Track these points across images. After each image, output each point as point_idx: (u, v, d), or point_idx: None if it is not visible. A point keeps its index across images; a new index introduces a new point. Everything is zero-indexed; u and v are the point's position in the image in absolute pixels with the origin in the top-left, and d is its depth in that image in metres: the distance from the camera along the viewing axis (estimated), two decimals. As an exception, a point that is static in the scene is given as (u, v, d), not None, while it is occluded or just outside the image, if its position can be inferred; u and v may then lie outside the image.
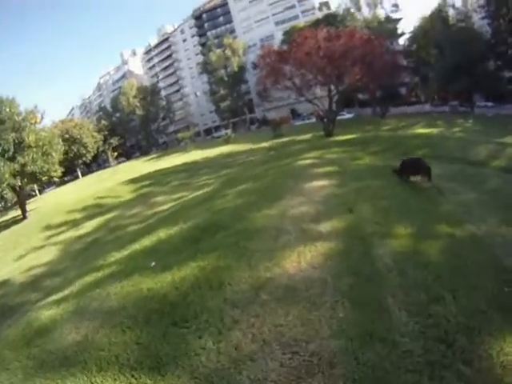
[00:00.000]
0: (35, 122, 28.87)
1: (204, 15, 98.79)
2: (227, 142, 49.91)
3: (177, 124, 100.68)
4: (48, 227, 20.27)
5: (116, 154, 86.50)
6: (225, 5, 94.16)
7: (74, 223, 19.83)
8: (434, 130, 28.68)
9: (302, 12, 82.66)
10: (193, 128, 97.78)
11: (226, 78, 79.40)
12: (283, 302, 4.83)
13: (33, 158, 26.03)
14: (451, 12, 57.61)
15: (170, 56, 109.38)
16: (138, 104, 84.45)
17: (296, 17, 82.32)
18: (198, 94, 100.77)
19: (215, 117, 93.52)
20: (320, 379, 3.58)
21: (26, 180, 28.12)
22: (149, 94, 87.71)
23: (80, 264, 11.88)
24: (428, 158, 12.91)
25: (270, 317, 4.58)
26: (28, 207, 30.53)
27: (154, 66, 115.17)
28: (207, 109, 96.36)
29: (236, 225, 8.23)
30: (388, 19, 63.52)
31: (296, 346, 4.05)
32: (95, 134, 75.17)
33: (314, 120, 53.36)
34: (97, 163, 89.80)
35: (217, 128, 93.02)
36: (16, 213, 30.36)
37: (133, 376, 4.14)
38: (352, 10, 63.93)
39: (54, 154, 29.00)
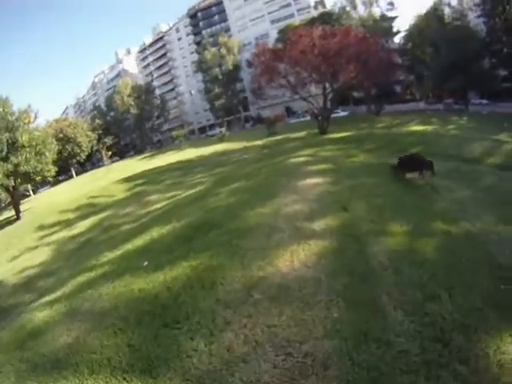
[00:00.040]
0: (29, 122, 28.67)
1: (199, 14, 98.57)
2: (221, 140, 49.86)
3: (171, 122, 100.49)
4: (41, 227, 20.13)
5: (110, 153, 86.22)
6: (220, 3, 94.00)
7: (68, 223, 19.70)
8: (429, 128, 28.74)
9: (298, 10, 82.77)
10: (187, 126, 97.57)
11: (220, 77, 79.26)
12: (276, 301, 4.74)
13: (26, 158, 25.83)
14: (447, 10, 58.09)
15: (164, 55, 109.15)
16: (133, 103, 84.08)
17: (291, 15, 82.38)
18: (192, 92, 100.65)
19: (210, 115, 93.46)
20: (314, 381, 3.50)
21: (19, 180, 27.89)
22: (143, 93, 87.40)
23: (73, 264, 11.79)
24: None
25: (263, 317, 4.49)
26: (22, 207, 30.28)
27: (148, 64, 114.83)
28: (202, 107, 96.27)
29: (229, 223, 8.13)
30: (383, 17, 63.68)
31: (289, 346, 3.97)
32: (89, 133, 75.02)
33: (308, 118, 53.27)
34: (91, 162, 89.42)
35: (211, 126, 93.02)
36: (10, 213, 30.17)
37: (124, 379, 4.04)
38: (347, 9, 64.03)
39: (47, 153, 28.82)
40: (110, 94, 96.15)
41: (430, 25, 56.08)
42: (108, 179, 34.86)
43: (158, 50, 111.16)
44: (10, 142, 25.52)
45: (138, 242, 9.32)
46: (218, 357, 4.03)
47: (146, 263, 7.19)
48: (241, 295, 5.06)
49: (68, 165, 71.46)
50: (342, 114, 56.03)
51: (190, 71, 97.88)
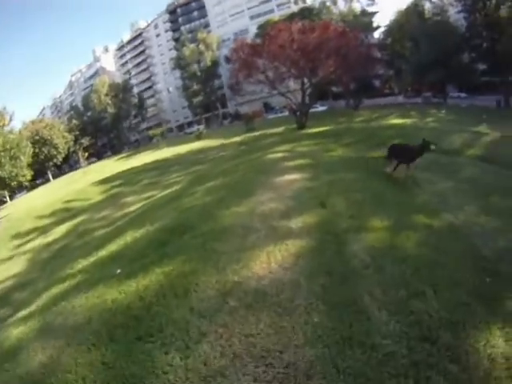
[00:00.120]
0: (3, 125, 27.72)
1: (178, 10, 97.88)
2: (199, 137, 49.32)
3: (149, 121, 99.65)
4: (17, 236, 19.41)
5: (87, 154, 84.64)
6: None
7: (43, 230, 19.04)
8: (408, 121, 28.97)
9: (278, 6, 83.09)
10: (165, 124, 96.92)
11: (198, 73, 79.06)
12: (253, 308, 4.45)
13: (0, 163, 24.90)
14: (427, 6, 59.04)
15: (143, 52, 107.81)
16: (110, 102, 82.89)
17: (271, 11, 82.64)
18: (170, 89, 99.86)
19: (188, 112, 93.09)
20: (297, 392, 3.24)
21: (-6, 187, 26.96)
22: (121, 91, 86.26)
23: (48, 274, 11.29)
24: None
25: (240, 326, 4.20)
26: (-2, 214, 29.20)
27: (126, 62, 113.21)
28: (180, 105, 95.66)
29: (203, 225, 7.79)
30: (364, 13, 64.59)
31: (269, 357, 3.69)
32: (66, 134, 73.49)
33: (286, 113, 53.39)
34: (68, 164, 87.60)
35: (189, 124, 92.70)
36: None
37: (100, 400, 3.68)
38: (328, 4, 64.37)
39: (22, 157, 27.95)
40: (87, 93, 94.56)
41: (410, 20, 57.10)
42: (84, 182, 33.95)
43: (136, 47, 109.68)
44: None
45: (112, 247, 8.91)
46: (194, 371, 3.71)
47: (118, 271, 6.81)
48: (215, 303, 4.74)
49: (45, 168, 70.02)
50: (321, 108, 56.34)
51: (168, 68, 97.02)
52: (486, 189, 8.40)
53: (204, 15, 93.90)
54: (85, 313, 5.57)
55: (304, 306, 4.33)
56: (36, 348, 5.08)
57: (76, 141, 78.02)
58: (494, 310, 4.06)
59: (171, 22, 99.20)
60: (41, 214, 22.25)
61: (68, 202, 23.85)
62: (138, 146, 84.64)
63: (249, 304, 4.54)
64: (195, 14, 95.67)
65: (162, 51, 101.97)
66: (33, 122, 72.86)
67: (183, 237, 7.47)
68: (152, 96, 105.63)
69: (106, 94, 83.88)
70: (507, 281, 4.63)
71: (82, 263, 8.78)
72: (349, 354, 3.56)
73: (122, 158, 59.85)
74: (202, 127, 69.40)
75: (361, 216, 6.92)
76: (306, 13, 62.23)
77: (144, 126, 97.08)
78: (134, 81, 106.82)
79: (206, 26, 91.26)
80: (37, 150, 64.34)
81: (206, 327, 4.32)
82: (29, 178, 36.24)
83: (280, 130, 34.35)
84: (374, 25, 66.14)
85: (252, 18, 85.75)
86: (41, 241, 17.19)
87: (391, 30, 62.77)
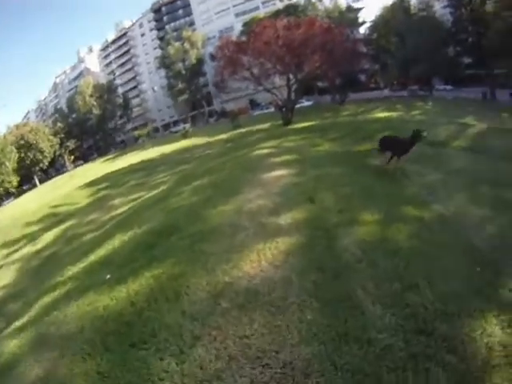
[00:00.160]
0: (-14, 130, 27.09)
1: (163, 8, 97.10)
2: (185, 136, 48.82)
3: (135, 121, 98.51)
4: (5, 245, 18.93)
5: (73, 157, 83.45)
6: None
7: (32, 237, 18.61)
8: (394, 114, 29.09)
9: (263, 3, 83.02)
10: (151, 124, 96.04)
11: (183, 72, 78.54)
12: (245, 308, 4.37)
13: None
14: (413, 1, 59.44)
15: (127, 51, 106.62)
16: (95, 103, 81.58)
17: (256, 8, 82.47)
18: (155, 89, 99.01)
19: (173, 112, 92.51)
20: (296, 392, 3.19)
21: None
22: (105, 92, 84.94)
23: (38, 283, 11.02)
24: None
25: (233, 327, 4.12)
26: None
27: (111, 62, 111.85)
28: (165, 104, 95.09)
29: (191, 225, 7.68)
30: (349, 9, 64.86)
31: (265, 357, 3.63)
32: (51, 137, 72.02)
33: (272, 109, 53.35)
34: (54, 168, 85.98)
35: (175, 123, 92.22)
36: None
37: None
38: (313, 0, 64.33)
39: (7, 163, 27.40)
40: (71, 95, 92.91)
41: (395, 16, 57.52)
42: (71, 185, 33.29)
43: (120, 46, 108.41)
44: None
45: (101, 252, 8.73)
46: (191, 376, 3.64)
47: (108, 276, 6.69)
48: (207, 305, 4.66)
49: (31, 173, 68.77)
50: (307, 104, 56.49)
51: (152, 67, 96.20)
52: (475, 179, 8.42)
53: (189, 13, 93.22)
54: (77, 321, 5.46)
55: (297, 303, 4.27)
56: (31, 361, 4.96)
57: (61, 144, 76.50)
58: (488, 298, 4.05)
59: (156, 20, 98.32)
60: (28, 221, 21.78)
61: (55, 207, 23.42)
62: (124, 147, 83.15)
63: (241, 304, 4.47)
64: (180, 12, 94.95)
65: (146, 50, 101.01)
66: (17, 127, 71.50)
67: (171, 239, 7.36)
68: (137, 96, 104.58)
69: (91, 95, 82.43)
70: (500, 269, 4.63)
71: (72, 270, 8.60)
72: (345, 350, 3.52)
73: (108, 159, 58.97)
74: (187, 126, 68.95)
75: (350, 210, 6.87)
76: (291, 9, 62.12)
77: (130, 126, 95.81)
78: (118, 81, 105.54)
79: (191, 24, 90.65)
80: (22, 155, 63.67)
81: (199, 330, 4.23)
82: (15, 184, 35.35)
83: (266, 126, 34.17)
84: (360, 20, 66.44)
85: (237, 15, 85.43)
86: (30, 249, 16.83)
87: (377, 25, 63.11)
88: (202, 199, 9.73)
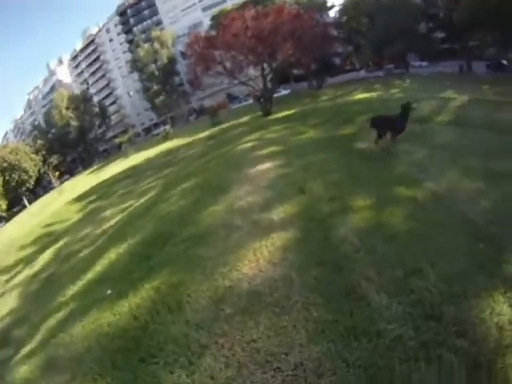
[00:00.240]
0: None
1: (128, 11, 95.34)
2: (166, 138, 48.27)
3: (115, 128, 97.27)
4: (3, 270, 18.64)
5: (58, 172, 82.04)
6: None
7: (28, 260, 18.26)
8: (374, 94, 29.06)
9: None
10: (131, 129, 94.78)
11: (157, 73, 77.67)
12: (249, 312, 4.28)
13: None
14: None
15: (97, 59, 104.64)
16: (72, 115, 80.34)
17: (224, 0, 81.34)
18: (131, 93, 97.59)
19: (152, 114, 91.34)
20: (310, 393, 3.10)
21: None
22: (81, 103, 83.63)
23: (41, 306, 10.91)
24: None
25: (240, 333, 4.03)
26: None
27: (82, 71, 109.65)
28: (142, 107, 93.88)
29: (183, 230, 7.60)
30: (317, -7, 63.85)
31: (275, 361, 3.54)
32: (33, 155, 70.36)
33: (251, 101, 52.95)
34: (42, 187, 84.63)
35: (156, 125, 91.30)
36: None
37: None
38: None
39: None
40: (47, 109, 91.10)
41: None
42: (60, 202, 32.85)
43: (89, 54, 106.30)
44: None
45: (98, 268, 8.62)
46: (203, 387, 3.58)
47: (109, 292, 6.63)
48: (210, 312, 4.57)
49: (19, 194, 67.59)
50: (284, 92, 56.19)
51: (125, 72, 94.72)
52: (463, 153, 8.35)
53: (155, 13, 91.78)
54: (83, 341, 5.40)
55: (301, 301, 4.19)
56: (44, 386, 4.90)
57: (45, 161, 74.80)
58: (492, 275, 3.97)
59: (122, 24, 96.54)
60: (23, 244, 21.44)
61: (47, 226, 23.06)
62: (107, 156, 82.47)
63: (244, 308, 4.38)
64: (146, 13, 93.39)
65: (116, 55, 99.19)
66: (-4, 150, 70.30)
67: (165, 247, 7.27)
68: (113, 103, 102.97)
69: (67, 108, 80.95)
70: (501, 243, 4.55)
71: (73, 289, 8.51)
72: (355, 345, 3.44)
73: (93, 171, 58.16)
74: (168, 127, 68.18)
75: (341, 197, 6.80)
76: (259, -1, 61.54)
77: (110, 134, 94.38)
78: (92, 90, 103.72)
79: (159, 23, 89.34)
80: (7, 178, 62.71)
81: (205, 339, 4.15)
82: (4, 207, 34.60)
83: (246, 119, 33.90)
84: (329, 4, 66.24)
85: (204, 9, 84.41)
86: (28, 272, 16.52)
87: (346, 7, 62.72)
88: (191, 202, 9.64)
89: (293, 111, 27.27)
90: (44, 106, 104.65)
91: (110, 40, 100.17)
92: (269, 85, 35.44)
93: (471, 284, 3.89)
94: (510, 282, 3.83)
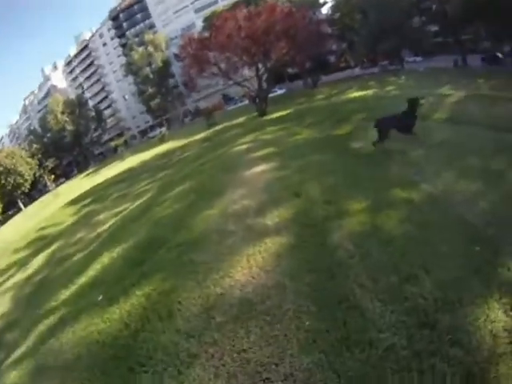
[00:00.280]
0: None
1: (121, 15, 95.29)
2: (162, 140, 48.26)
3: (110, 132, 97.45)
4: (-3, 274, 18.70)
5: (53, 176, 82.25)
6: (141, 1, 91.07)
7: (22, 263, 18.21)
8: (369, 92, 29.01)
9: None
10: (127, 132, 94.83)
11: (151, 76, 77.69)
12: (241, 320, 4.21)
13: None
14: None
15: (92, 63, 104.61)
16: (67, 119, 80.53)
17: (215, 1, 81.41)
18: (126, 97, 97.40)
19: (147, 117, 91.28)
20: (299, 406, 3.03)
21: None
22: (76, 107, 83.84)
23: (33, 310, 10.84)
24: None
25: (230, 342, 3.95)
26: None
27: (77, 76, 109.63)
28: (138, 110, 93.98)
29: (177, 235, 7.52)
30: (309, -10, 63.66)
31: (265, 371, 3.46)
32: (29, 159, 71.05)
33: (246, 102, 52.87)
34: (37, 190, 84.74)
35: (151, 128, 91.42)
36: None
37: None
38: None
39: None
40: (42, 114, 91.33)
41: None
42: (55, 205, 32.85)
43: (84, 59, 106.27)
44: None
45: (91, 272, 8.53)
46: (191, 398, 3.51)
47: (100, 297, 6.56)
48: (201, 320, 4.49)
49: (14, 197, 68.07)
50: (279, 92, 56.26)
51: (120, 76, 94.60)
52: (460, 151, 8.15)
53: (148, 16, 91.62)
54: (73, 349, 5.34)
55: (293, 309, 4.11)
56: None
57: (40, 165, 75.43)
58: (488, 280, 3.89)
59: (116, 28, 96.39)
60: (17, 247, 21.40)
61: (42, 229, 23.02)
62: (103, 159, 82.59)
63: (236, 316, 4.30)
64: (138, 16, 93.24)
65: (110, 59, 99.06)
66: (-7, 154, 70.43)
67: (158, 252, 7.18)
68: (109, 106, 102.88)
69: (62, 112, 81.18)
70: (498, 245, 4.45)
71: (65, 293, 8.42)
72: (347, 355, 3.36)
73: (89, 174, 58.20)
74: (163, 129, 68.23)
75: (337, 200, 6.70)
76: (250, -1, 61.37)
77: (106, 137, 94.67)
78: (87, 94, 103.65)
79: (152, 26, 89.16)
80: (2, 181, 63.39)
81: (195, 348, 4.09)
82: (-1, 211, 35.05)
83: (242, 120, 33.87)
84: (321, 1, 66.00)
85: (197, 11, 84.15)
86: (21, 275, 16.48)
87: (339, 4, 62.71)
88: (186, 205, 9.57)
89: (288, 111, 27.21)
90: (39, 111, 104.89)
91: (104, 44, 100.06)
92: (264, 85, 35.36)
93: (466, 290, 3.80)
94: (505, 287, 3.75)
